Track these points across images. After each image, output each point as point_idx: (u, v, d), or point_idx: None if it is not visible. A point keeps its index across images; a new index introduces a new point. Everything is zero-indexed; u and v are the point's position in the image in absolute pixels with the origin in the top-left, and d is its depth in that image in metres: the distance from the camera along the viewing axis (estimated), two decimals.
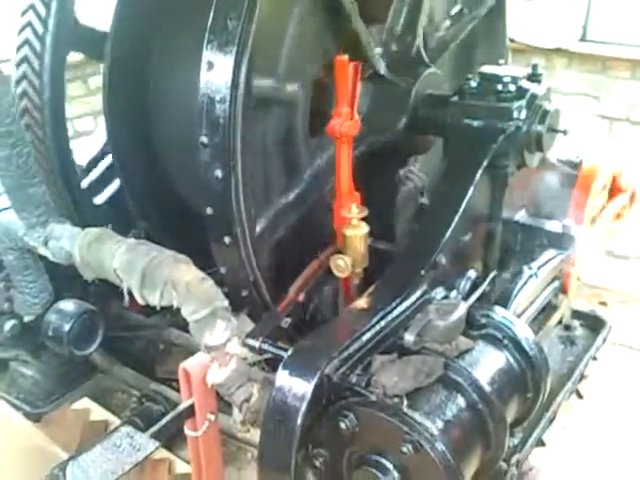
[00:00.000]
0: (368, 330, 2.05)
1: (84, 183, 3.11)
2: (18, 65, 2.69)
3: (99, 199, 3.15)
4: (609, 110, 5.01)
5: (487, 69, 2.61)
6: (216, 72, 2.13)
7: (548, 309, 2.85)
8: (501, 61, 2.90)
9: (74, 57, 3.06)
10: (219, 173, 2.20)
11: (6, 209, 2.68)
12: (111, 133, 2.96)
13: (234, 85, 2.12)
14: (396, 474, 1.79)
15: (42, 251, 2.64)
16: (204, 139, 2.19)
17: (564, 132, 2.60)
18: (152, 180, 2.95)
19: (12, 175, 2.48)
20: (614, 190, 3.10)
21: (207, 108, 2.16)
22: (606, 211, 3.04)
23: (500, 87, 2.49)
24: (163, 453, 2.89)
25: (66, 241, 2.56)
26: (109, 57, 2.81)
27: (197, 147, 2.21)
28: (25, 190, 2.52)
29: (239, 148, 2.17)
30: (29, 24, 2.65)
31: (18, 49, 2.69)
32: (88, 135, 4.13)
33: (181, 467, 2.90)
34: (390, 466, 1.79)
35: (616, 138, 5.02)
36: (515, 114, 2.47)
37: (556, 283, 2.81)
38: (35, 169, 2.54)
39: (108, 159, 3.18)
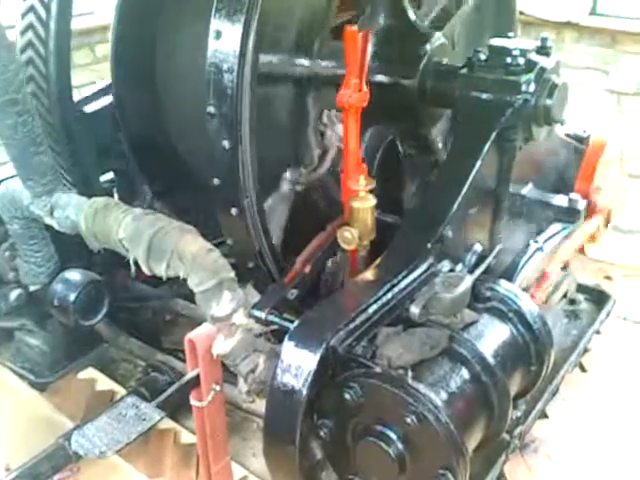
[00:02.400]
0: (374, 302, 2.05)
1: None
2: (23, 32, 2.67)
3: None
4: (618, 84, 4.97)
5: (496, 42, 2.58)
6: (224, 41, 2.11)
7: None
8: (511, 34, 2.87)
9: (80, 24, 3.03)
10: (226, 143, 2.19)
11: (12, 177, 2.68)
12: (119, 101, 2.94)
13: (242, 54, 2.10)
14: (400, 445, 1.80)
15: (48, 220, 2.64)
16: (211, 109, 2.17)
17: (561, 122, 2.59)
18: (159, 150, 2.93)
19: (18, 143, 2.47)
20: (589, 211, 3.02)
21: (214, 78, 2.14)
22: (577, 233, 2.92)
23: (509, 60, 2.46)
24: (168, 423, 2.92)
25: (72, 210, 2.56)
26: (116, 26, 2.79)
27: (204, 117, 2.19)
28: (31, 159, 2.51)
29: (247, 118, 2.16)
30: None
31: (23, 16, 2.66)
32: None
33: (186, 437, 2.93)
34: (394, 437, 1.80)
35: (624, 113, 4.98)
36: (524, 87, 2.44)
37: None
38: (41, 138, 2.53)
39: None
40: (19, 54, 2.67)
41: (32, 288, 2.88)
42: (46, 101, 2.70)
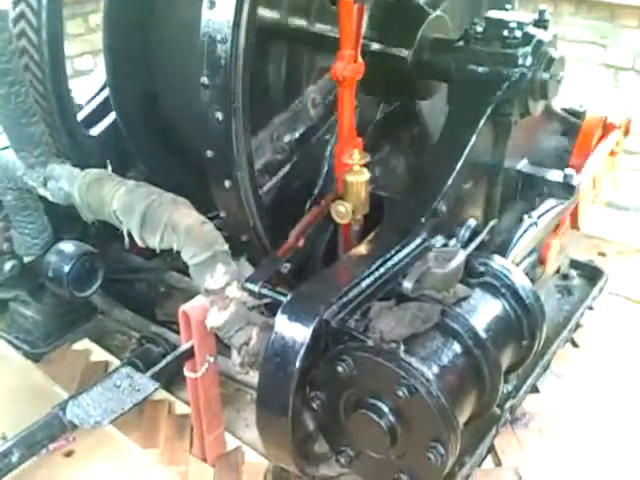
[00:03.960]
0: (367, 276, 2.06)
1: (80, 116, 3.06)
2: (16, 3, 2.63)
3: (95, 131, 3.10)
4: (615, 59, 4.94)
5: (493, 14, 2.55)
6: (218, 10, 2.08)
7: None
8: (508, 6, 2.84)
9: None
10: (220, 115, 2.17)
11: (5, 148, 2.66)
12: (110, 71, 2.91)
13: (236, 24, 2.07)
14: (392, 417, 1.81)
15: (41, 191, 2.63)
16: (205, 80, 2.15)
17: None
18: (152, 121, 2.91)
19: (10, 114, 2.45)
20: (606, 129, 3.07)
21: (208, 48, 2.11)
22: (599, 148, 3.00)
23: (506, 33, 2.44)
24: (163, 394, 2.94)
25: (65, 182, 2.55)
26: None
27: (198, 88, 2.17)
28: (24, 129, 2.49)
29: (240, 90, 2.14)
30: None
31: None
32: (88, 74, 4.07)
33: (180, 408, 2.95)
34: (386, 409, 1.82)
35: (621, 88, 4.95)
36: (520, 61, 2.42)
37: (533, 255, 2.77)
38: (34, 108, 2.51)
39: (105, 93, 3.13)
40: (12, 25, 2.64)
41: (26, 259, 2.88)
42: (38, 71, 2.67)
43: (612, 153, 3.14)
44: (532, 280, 2.73)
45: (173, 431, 2.86)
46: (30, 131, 2.51)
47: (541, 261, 2.85)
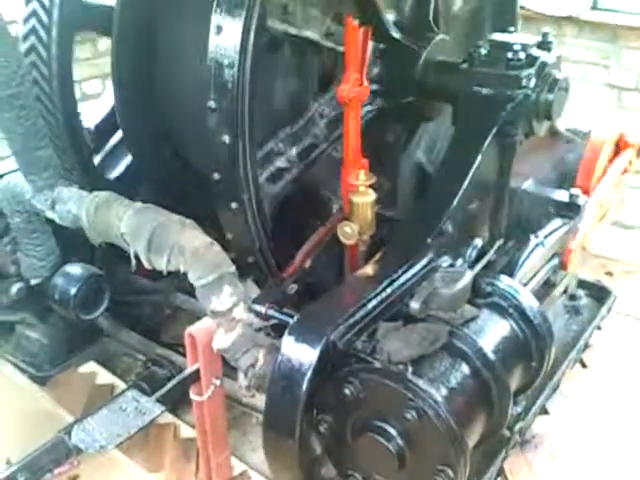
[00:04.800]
0: (374, 297, 2.05)
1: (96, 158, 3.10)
2: (26, 36, 2.66)
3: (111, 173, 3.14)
4: (618, 79, 4.96)
5: (497, 36, 2.58)
6: (225, 36, 2.11)
7: (546, 287, 2.85)
8: (511, 29, 2.86)
9: None
10: (226, 138, 2.19)
11: (13, 172, 2.68)
12: (118, 96, 2.93)
13: (243, 49, 2.10)
14: (400, 440, 1.80)
15: (49, 214, 2.63)
16: (212, 104, 2.17)
17: None
18: (159, 145, 2.93)
19: (20, 138, 2.47)
20: (621, 146, 3.09)
21: (215, 72, 2.14)
22: (613, 166, 3.01)
23: (510, 55, 2.45)
24: (168, 417, 2.92)
25: (73, 204, 2.55)
26: (117, 20, 2.78)
27: (205, 112, 2.19)
28: (33, 153, 2.51)
29: (247, 113, 2.16)
30: None
31: (25, 21, 2.66)
32: (96, 98, 4.10)
33: (186, 431, 2.94)
34: (394, 432, 1.80)
35: (625, 108, 4.97)
36: (524, 82, 2.44)
37: (555, 260, 2.79)
38: (43, 132, 2.53)
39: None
40: (23, 52, 2.67)
41: (33, 282, 2.88)
42: (48, 95, 2.69)
43: (624, 171, 3.16)
44: (554, 284, 2.78)
45: (179, 455, 2.85)
46: (39, 154, 2.52)
47: (562, 266, 2.85)
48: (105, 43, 4.87)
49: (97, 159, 3.12)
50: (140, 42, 2.76)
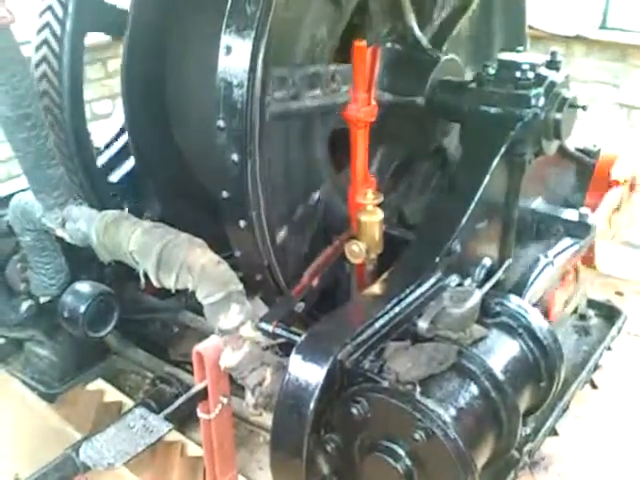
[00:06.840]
0: (382, 316, 2.05)
1: (100, 161, 3.12)
2: (38, 48, 2.70)
3: (114, 177, 3.15)
4: (628, 98, 4.97)
5: (505, 56, 2.58)
6: (234, 57, 2.13)
7: None
8: (520, 48, 2.87)
9: (93, 40, 3.06)
10: (235, 157, 2.20)
11: (24, 190, 2.70)
12: (129, 115, 2.96)
13: (252, 69, 2.11)
14: (408, 461, 1.79)
15: (59, 233, 2.65)
16: (221, 123, 2.19)
17: (583, 107, 2.57)
18: (169, 163, 2.95)
19: (30, 157, 2.49)
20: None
21: (224, 92, 2.15)
22: (601, 206, 2.97)
23: (518, 74, 2.46)
24: (175, 435, 2.91)
25: (83, 223, 2.57)
26: (127, 41, 2.81)
27: (214, 131, 2.21)
28: (43, 172, 2.53)
29: (256, 132, 2.17)
30: (49, 8, 2.67)
31: (38, 32, 2.70)
32: (106, 118, 4.14)
33: (193, 449, 2.92)
34: (402, 452, 1.80)
35: (634, 127, 4.97)
36: (533, 101, 2.44)
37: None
38: (53, 151, 2.55)
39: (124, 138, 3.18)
40: (34, 69, 2.71)
41: (42, 299, 2.90)
42: (58, 115, 2.72)
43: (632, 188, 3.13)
44: None
45: (186, 473, 2.83)
46: (49, 173, 2.54)
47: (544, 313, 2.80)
48: (115, 64, 4.95)
49: (109, 177, 3.15)
50: (150, 61, 2.80)
